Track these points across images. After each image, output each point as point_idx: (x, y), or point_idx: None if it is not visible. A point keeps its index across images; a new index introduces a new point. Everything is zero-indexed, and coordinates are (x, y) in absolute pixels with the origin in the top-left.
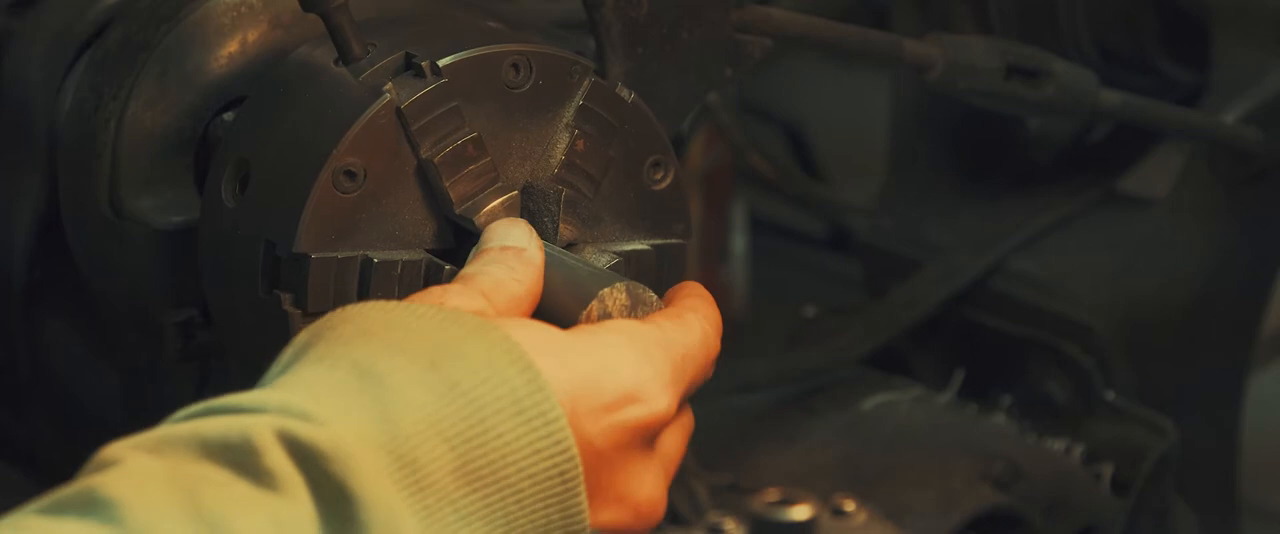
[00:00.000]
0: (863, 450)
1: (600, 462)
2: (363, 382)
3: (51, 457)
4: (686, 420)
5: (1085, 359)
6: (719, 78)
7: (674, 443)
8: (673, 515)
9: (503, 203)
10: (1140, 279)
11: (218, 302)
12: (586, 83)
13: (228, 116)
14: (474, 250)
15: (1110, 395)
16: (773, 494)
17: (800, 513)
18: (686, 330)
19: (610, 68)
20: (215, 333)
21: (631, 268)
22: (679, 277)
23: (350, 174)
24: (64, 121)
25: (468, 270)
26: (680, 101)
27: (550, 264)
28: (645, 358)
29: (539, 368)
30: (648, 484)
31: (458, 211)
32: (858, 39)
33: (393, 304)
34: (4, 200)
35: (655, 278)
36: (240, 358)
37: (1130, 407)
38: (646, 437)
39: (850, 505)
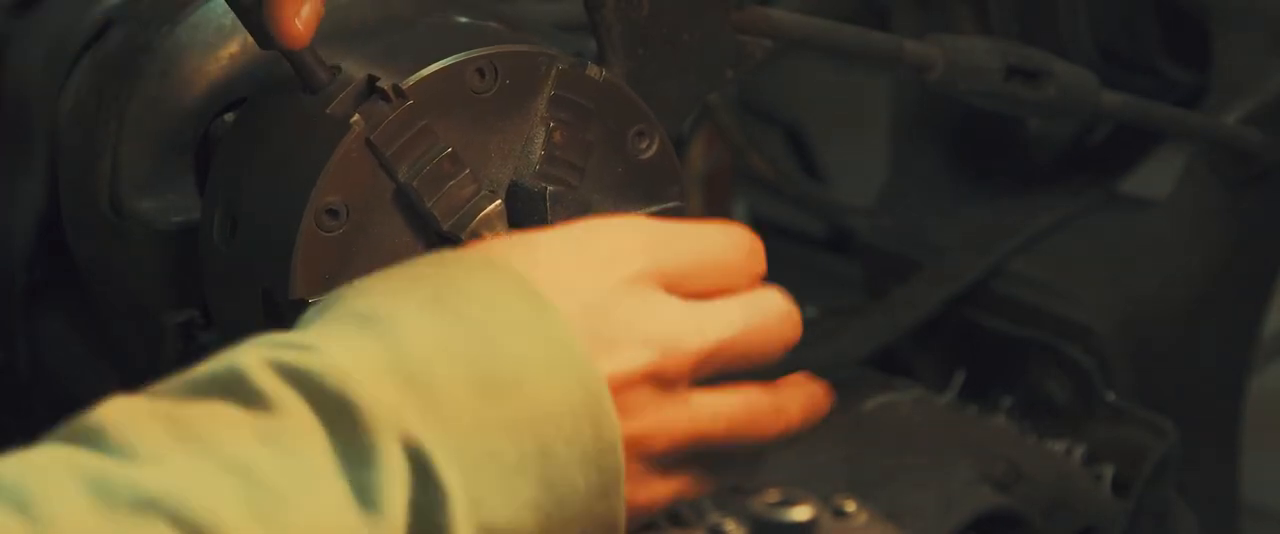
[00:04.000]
0: (863, 451)
1: (601, 316)
2: (364, 322)
3: None
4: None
5: (1086, 360)
6: (719, 79)
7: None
8: (673, 516)
9: (492, 211)
10: (1140, 279)
11: (226, 330)
12: (554, 72)
13: (229, 117)
14: None
15: (1111, 396)
16: (773, 495)
17: (801, 514)
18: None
19: (611, 69)
20: (217, 336)
21: None
22: None
23: (333, 213)
24: (65, 122)
25: None
26: (681, 102)
27: None
28: (630, 221)
29: (539, 285)
30: (669, 313)
31: (446, 228)
32: (858, 40)
33: (394, 268)
34: (4, 200)
35: None
36: None
37: (1131, 407)
38: (650, 281)
39: (851, 506)
